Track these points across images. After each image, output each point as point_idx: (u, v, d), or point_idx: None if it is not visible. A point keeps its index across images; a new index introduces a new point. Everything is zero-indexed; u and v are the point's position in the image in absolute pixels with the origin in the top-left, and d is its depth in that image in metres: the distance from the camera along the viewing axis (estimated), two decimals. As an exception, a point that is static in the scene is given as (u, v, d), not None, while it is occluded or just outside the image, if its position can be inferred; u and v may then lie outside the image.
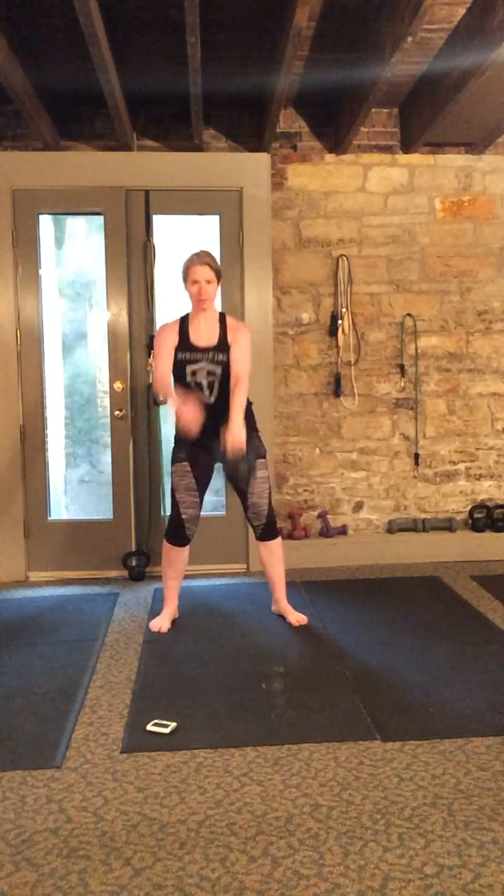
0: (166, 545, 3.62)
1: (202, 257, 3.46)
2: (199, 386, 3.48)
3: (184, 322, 3.53)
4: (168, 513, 3.85)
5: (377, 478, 4.89)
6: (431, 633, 3.50)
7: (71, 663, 3.20)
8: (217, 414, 3.45)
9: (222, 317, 3.56)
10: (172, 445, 3.63)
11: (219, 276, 3.50)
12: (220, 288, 3.56)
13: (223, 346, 3.48)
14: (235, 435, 3.31)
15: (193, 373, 3.47)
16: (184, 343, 3.48)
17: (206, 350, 3.47)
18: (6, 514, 4.52)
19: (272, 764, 2.37)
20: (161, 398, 3.52)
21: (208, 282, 3.43)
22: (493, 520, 4.88)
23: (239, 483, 3.59)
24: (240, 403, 3.39)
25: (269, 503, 3.60)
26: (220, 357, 3.47)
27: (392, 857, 1.90)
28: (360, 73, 3.87)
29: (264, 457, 3.60)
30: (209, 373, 3.47)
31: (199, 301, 3.45)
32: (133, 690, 2.93)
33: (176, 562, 3.63)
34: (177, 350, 3.47)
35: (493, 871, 1.84)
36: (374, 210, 4.74)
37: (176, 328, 3.51)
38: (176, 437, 3.61)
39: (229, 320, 3.55)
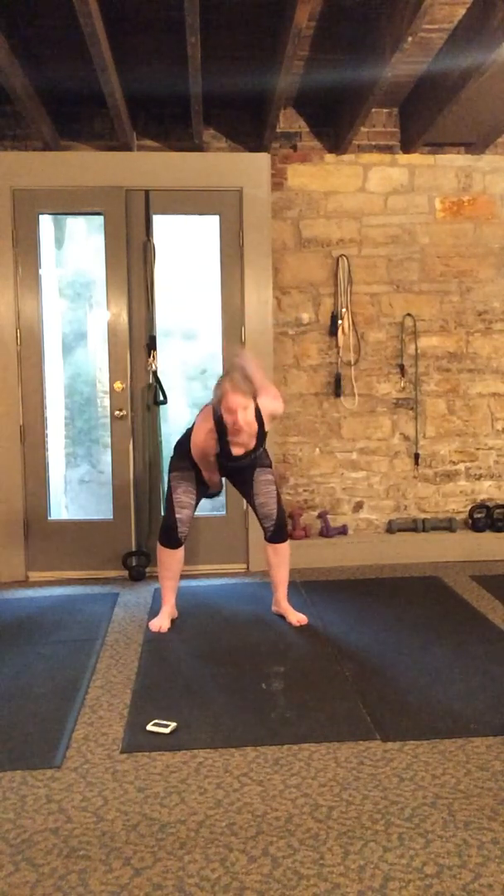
0: (160, 548, 3.63)
1: (237, 384, 3.28)
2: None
3: (220, 425, 3.37)
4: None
5: (377, 478, 4.89)
6: (431, 633, 3.50)
7: (71, 663, 3.20)
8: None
9: (258, 413, 3.39)
10: (172, 455, 3.63)
11: (254, 397, 3.34)
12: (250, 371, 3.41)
13: (261, 439, 3.47)
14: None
15: (237, 469, 3.58)
16: (223, 449, 3.43)
17: (245, 454, 3.48)
18: (6, 514, 4.52)
19: (272, 764, 2.37)
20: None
21: (245, 408, 3.29)
22: (493, 520, 4.88)
23: (243, 488, 3.64)
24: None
25: (279, 505, 3.62)
26: (257, 448, 3.49)
27: (392, 857, 1.90)
28: (360, 73, 3.87)
29: (270, 466, 3.66)
30: (247, 462, 3.54)
31: (234, 432, 3.34)
32: (133, 690, 2.93)
33: (170, 563, 3.63)
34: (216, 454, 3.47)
35: (493, 871, 1.84)
36: (374, 210, 4.74)
37: (214, 436, 3.40)
38: (176, 448, 3.62)
39: (264, 411, 3.43)
